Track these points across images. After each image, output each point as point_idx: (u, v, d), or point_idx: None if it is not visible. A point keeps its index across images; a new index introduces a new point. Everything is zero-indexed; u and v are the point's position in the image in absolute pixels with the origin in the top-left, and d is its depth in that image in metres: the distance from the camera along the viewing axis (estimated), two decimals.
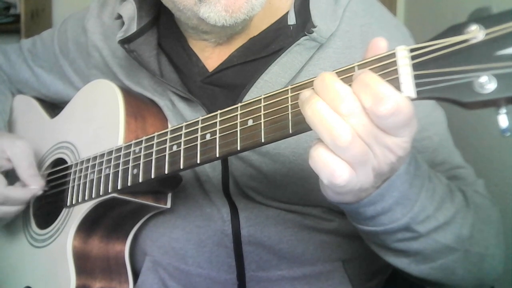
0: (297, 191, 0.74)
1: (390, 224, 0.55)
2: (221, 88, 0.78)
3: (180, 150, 0.64)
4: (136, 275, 0.84)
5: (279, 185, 0.74)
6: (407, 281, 0.67)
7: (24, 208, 0.83)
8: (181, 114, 0.78)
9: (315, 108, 0.45)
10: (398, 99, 0.43)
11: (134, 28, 0.79)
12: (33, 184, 0.81)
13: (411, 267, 0.62)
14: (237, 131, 0.57)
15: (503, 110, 0.42)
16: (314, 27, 0.71)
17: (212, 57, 0.80)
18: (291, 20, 0.77)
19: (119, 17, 0.82)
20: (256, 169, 0.74)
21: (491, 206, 0.70)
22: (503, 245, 0.68)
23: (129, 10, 0.81)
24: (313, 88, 0.47)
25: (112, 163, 0.73)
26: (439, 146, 0.74)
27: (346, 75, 0.48)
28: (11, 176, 0.83)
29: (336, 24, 0.73)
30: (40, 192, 0.82)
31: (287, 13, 0.77)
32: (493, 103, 0.42)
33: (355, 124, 0.44)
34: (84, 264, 0.77)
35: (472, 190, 0.69)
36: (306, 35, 0.71)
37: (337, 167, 0.46)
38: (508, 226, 0.95)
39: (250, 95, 0.73)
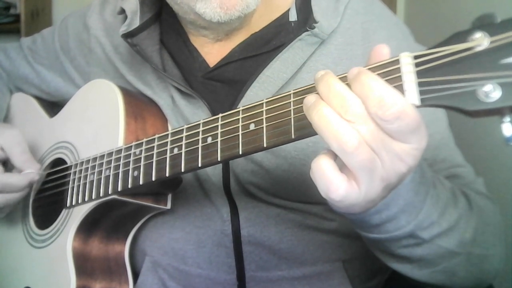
0: (298, 187, 0.74)
1: (395, 231, 0.55)
2: (222, 83, 0.79)
3: (181, 153, 0.63)
4: (136, 276, 0.84)
5: (280, 180, 0.74)
6: (407, 281, 0.67)
7: (24, 196, 0.82)
8: (181, 112, 0.78)
9: (322, 114, 0.45)
10: (404, 102, 0.43)
11: (137, 23, 0.79)
12: (29, 169, 0.80)
13: (413, 272, 0.62)
14: (238, 135, 0.57)
15: (507, 119, 0.42)
16: (316, 23, 0.71)
17: (212, 52, 0.80)
18: (293, 16, 0.77)
19: (122, 11, 0.82)
20: (257, 165, 0.74)
21: (492, 207, 0.70)
22: (503, 244, 0.68)
23: (132, 4, 0.81)
24: (317, 93, 0.47)
25: (112, 164, 0.73)
26: (441, 144, 0.74)
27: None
28: (9, 168, 0.83)
29: (337, 21, 0.73)
30: (37, 177, 0.81)
31: (288, 10, 0.78)
32: (497, 112, 0.41)
33: (361, 129, 0.44)
34: (84, 265, 0.76)
35: (474, 191, 0.69)
36: (307, 30, 0.71)
37: (333, 181, 0.46)
38: (508, 226, 0.95)
39: (252, 90, 0.74)
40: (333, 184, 0.46)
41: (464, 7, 1.49)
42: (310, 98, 0.47)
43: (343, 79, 0.47)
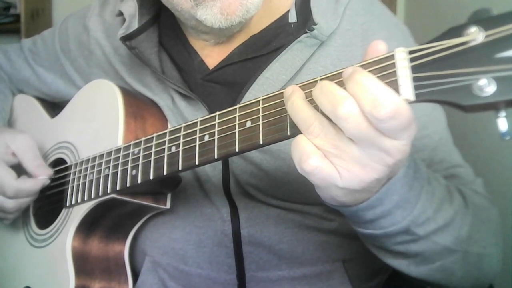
0: (297, 189, 0.74)
1: (390, 227, 0.55)
2: (221, 85, 0.79)
3: (178, 151, 0.63)
4: (136, 276, 0.84)
5: (279, 182, 0.74)
6: (407, 281, 0.67)
7: (33, 200, 0.84)
8: (181, 113, 0.78)
9: (294, 105, 0.48)
10: (398, 101, 0.43)
11: (135, 26, 0.79)
12: (41, 174, 0.82)
13: (410, 269, 0.62)
14: (235, 132, 0.57)
15: (502, 114, 0.41)
16: (315, 24, 0.71)
17: (212, 55, 0.80)
18: (292, 18, 0.77)
19: (120, 14, 0.83)
20: (256, 167, 0.74)
21: (489, 206, 0.69)
22: (501, 244, 0.68)
23: (130, 7, 0.81)
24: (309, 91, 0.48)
25: (111, 163, 0.73)
26: (439, 144, 0.74)
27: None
28: (17, 171, 0.83)
29: (337, 22, 0.73)
30: (48, 182, 0.82)
31: (288, 11, 0.77)
32: (492, 106, 0.41)
33: (352, 127, 0.44)
34: (84, 265, 0.77)
35: (470, 189, 0.69)
36: (306, 32, 0.71)
37: (305, 151, 0.47)
38: (508, 226, 0.94)
39: (251, 92, 0.74)
40: (304, 154, 0.47)
41: (464, 7, 1.48)
42: (287, 91, 0.50)
43: (337, 75, 0.47)
